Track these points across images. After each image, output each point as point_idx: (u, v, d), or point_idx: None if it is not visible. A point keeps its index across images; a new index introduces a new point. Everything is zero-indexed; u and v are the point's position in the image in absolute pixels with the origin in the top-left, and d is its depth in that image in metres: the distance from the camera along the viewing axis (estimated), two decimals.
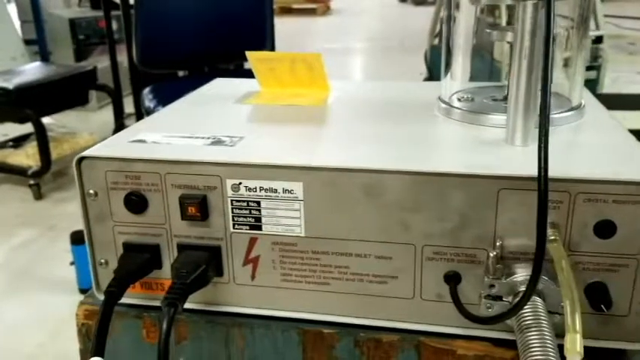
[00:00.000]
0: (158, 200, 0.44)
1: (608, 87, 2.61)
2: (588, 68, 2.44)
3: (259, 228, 0.43)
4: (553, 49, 0.31)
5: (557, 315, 0.38)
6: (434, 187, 0.39)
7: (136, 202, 0.44)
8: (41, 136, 2.27)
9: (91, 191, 0.45)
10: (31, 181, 2.34)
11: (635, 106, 1.97)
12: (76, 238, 1.63)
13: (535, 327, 0.35)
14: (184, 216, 0.43)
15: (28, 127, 2.44)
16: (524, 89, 0.42)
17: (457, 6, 0.54)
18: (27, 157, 2.42)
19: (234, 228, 0.44)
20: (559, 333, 0.36)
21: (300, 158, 0.42)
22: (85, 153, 0.44)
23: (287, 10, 7.87)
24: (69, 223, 2.01)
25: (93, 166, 0.44)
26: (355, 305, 0.44)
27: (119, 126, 2.63)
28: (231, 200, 0.43)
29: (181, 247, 0.45)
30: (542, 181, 0.30)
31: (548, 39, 0.31)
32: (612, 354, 0.41)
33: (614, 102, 2.02)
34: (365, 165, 0.40)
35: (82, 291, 1.68)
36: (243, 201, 0.43)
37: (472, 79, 0.59)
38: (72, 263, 1.70)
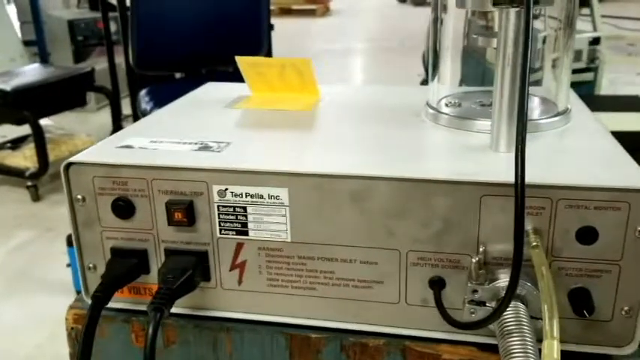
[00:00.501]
0: (145, 206, 0.44)
1: (605, 88, 2.61)
2: (586, 70, 2.44)
3: (246, 233, 0.44)
4: (532, 57, 0.32)
5: (540, 320, 0.38)
6: (419, 193, 0.40)
7: (124, 208, 0.44)
8: (39, 137, 2.27)
9: (79, 196, 0.45)
10: (29, 183, 2.35)
11: (633, 108, 1.97)
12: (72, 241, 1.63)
13: (517, 332, 0.35)
14: (171, 221, 0.44)
15: (25, 129, 2.44)
16: (507, 96, 0.42)
17: (445, 9, 0.54)
18: (25, 158, 2.43)
19: (220, 233, 0.44)
20: (542, 338, 0.36)
21: (286, 164, 0.42)
22: (73, 159, 0.44)
23: (286, 11, 7.87)
24: (66, 224, 2.00)
25: (80, 171, 0.44)
26: (341, 310, 0.44)
27: (117, 128, 2.63)
28: (218, 206, 0.43)
29: (168, 252, 0.45)
30: (519, 188, 0.31)
31: (526, 47, 0.31)
32: (596, 359, 0.41)
33: (611, 104, 2.02)
34: (350, 171, 0.41)
35: (79, 293, 1.68)
36: (230, 206, 0.43)
37: (465, 81, 0.60)
38: (69, 265, 1.70)
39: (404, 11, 8.28)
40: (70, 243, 1.63)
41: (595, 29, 2.51)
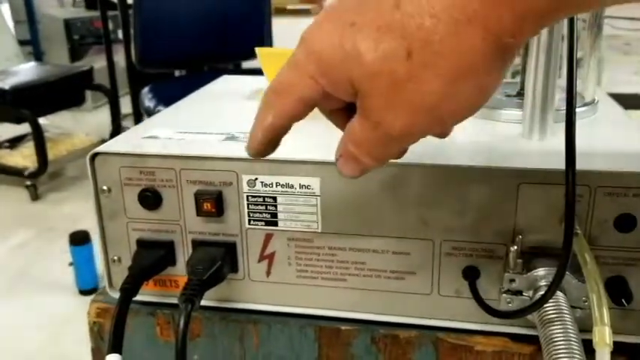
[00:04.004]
0: (173, 196, 0.43)
1: (605, 87, 2.62)
2: None
3: (275, 224, 0.43)
4: (577, 40, 0.31)
5: (578, 309, 0.38)
6: (453, 181, 0.39)
7: (151, 198, 0.44)
8: (38, 136, 2.26)
9: (105, 187, 0.44)
10: (28, 182, 2.33)
11: (633, 106, 1.99)
12: (76, 239, 1.62)
13: (558, 321, 0.35)
14: (199, 212, 0.43)
15: (23, 128, 2.43)
16: (541, 84, 0.42)
17: None
18: (23, 157, 2.41)
19: (249, 224, 0.43)
20: (580, 327, 0.36)
21: (318, 153, 0.42)
22: (99, 149, 0.44)
23: (281, 11, 7.86)
24: (66, 223, 2.00)
25: (107, 161, 0.44)
26: (372, 301, 0.44)
27: (116, 127, 2.61)
28: (247, 196, 0.43)
29: (196, 244, 0.44)
30: (570, 173, 0.30)
31: (572, 30, 0.31)
32: (631, 348, 0.41)
33: None
34: None
35: (81, 292, 1.67)
36: (259, 197, 0.42)
37: None
38: (71, 264, 1.69)
39: None
40: (73, 241, 1.62)
41: None
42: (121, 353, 0.39)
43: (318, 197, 0.42)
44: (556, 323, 0.35)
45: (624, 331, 0.40)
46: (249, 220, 0.43)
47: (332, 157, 0.41)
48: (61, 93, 2.45)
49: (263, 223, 0.43)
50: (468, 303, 0.41)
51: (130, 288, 0.42)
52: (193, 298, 0.40)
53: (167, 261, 0.45)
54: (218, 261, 0.43)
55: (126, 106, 2.60)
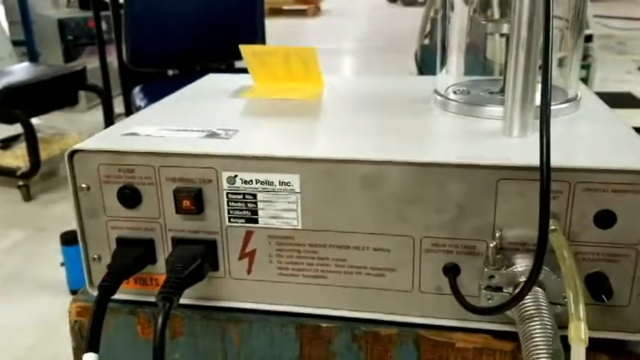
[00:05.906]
0: (152, 194, 0.43)
1: (597, 86, 2.62)
2: None
3: (255, 221, 0.43)
4: (553, 34, 0.31)
5: (557, 306, 0.38)
6: (433, 178, 0.39)
7: (130, 196, 0.43)
8: (31, 136, 2.25)
9: (84, 185, 0.44)
10: (20, 183, 2.32)
11: (626, 105, 1.99)
12: (67, 239, 1.61)
13: (537, 317, 0.35)
14: (179, 210, 0.43)
15: (15, 128, 2.41)
16: (521, 81, 0.42)
17: (452, 5, 0.54)
18: (15, 158, 2.40)
19: (229, 221, 0.43)
20: (559, 324, 0.36)
21: (297, 150, 0.41)
22: (77, 146, 0.43)
23: (277, 11, 7.85)
24: (58, 224, 1.99)
25: (85, 159, 0.43)
26: (353, 299, 0.43)
27: (109, 126, 2.61)
28: (227, 193, 0.42)
29: (176, 242, 0.44)
30: (545, 168, 0.30)
31: (547, 25, 0.31)
32: (612, 345, 0.41)
33: (605, 100, 2.02)
34: (363, 156, 0.40)
35: (73, 292, 1.67)
36: (239, 194, 0.42)
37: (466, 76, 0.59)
38: (62, 264, 1.68)
39: (394, 11, 8.29)
40: (64, 241, 1.61)
41: (587, 27, 2.52)
42: (98, 352, 0.38)
43: (298, 194, 0.41)
44: (535, 319, 0.35)
45: (605, 327, 0.40)
46: (230, 218, 0.43)
47: (312, 154, 0.41)
48: (53, 93, 2.44)
49: (243, 220, 0.43)
50: (448, 300, 0.41)
51: (108, 286, 0.41)
52: (172, 296, 0.40)
53: (147, 259, 0.45)
54: (198, 259, 0.43)
55: (120, 106, 2.59)
